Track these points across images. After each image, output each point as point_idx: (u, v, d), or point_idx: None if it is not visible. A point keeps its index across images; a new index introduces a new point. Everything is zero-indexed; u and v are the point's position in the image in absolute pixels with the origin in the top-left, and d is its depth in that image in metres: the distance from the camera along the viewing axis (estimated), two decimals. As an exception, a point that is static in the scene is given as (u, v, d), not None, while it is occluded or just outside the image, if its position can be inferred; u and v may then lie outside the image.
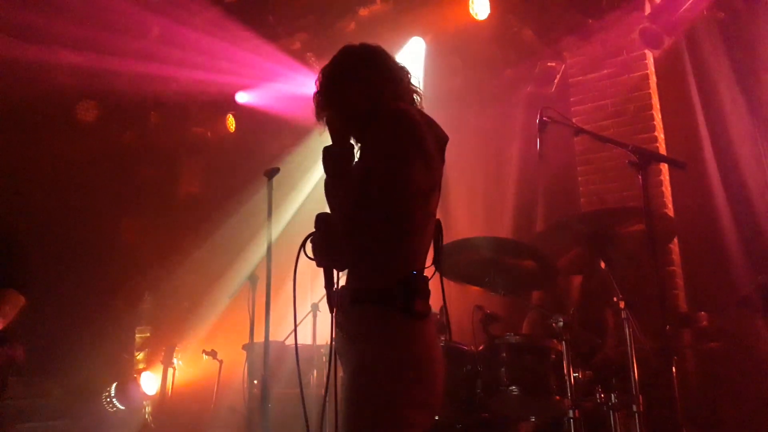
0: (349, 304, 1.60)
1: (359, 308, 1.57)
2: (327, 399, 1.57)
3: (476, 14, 3.95)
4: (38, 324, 3.29)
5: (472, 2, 3.92)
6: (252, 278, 3.29)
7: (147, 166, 5.38)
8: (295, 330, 1.69)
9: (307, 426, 1.55)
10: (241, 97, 4.96)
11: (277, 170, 2.32)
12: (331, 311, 1.64)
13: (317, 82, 1.81)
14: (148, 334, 5.16)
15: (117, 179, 5.11)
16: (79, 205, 4.74)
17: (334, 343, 1.66)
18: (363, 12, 4.20)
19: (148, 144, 5.28)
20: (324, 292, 1.65)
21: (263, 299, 3.30)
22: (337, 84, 1.76)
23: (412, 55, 4.50)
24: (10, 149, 4.38)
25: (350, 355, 1.58)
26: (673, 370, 2.58)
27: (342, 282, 1.67)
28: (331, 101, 1.76)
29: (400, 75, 1.77)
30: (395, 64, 1.80)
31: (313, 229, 1.62)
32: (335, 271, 1.64)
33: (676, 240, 3.86)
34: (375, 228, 1.54)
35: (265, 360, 2.61)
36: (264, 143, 5.29)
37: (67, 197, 4.67)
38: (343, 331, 1.62)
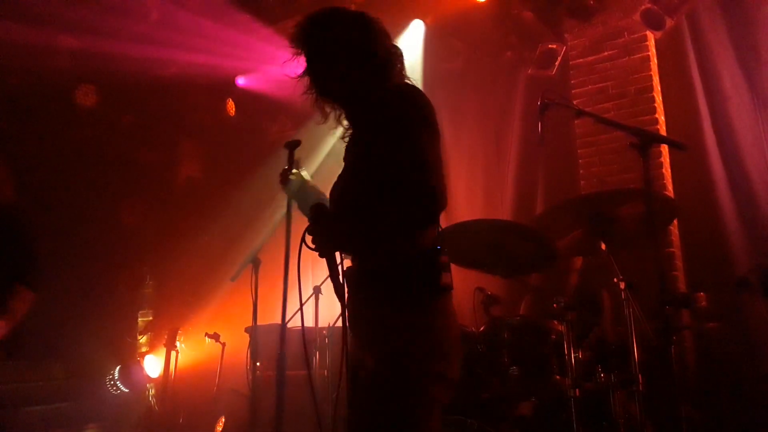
0: (372, 283, 1.56)
1: (386, 286, 1.54)
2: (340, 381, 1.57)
3: (476, -5, 3.92)
4: (41, 307, 3.32)
5: (473, -17, 3.89)
6: (254, 261, 3.31)
7: (147, 149, 5.37)
8: (302, 314, 1.68)
9: (316, 407, 1.56)
10: (242, 81, 4.94)
11: (298, 143, 2.12)
12: (342, 299, 1.59)
13: (305, 43, 1.71)
14: (151, 318, 5.19)
15: (117, 163, 5.10)
16: (79, 188, 4.74)
17: (347, 327, 1.62)
18: (362, -6, 4.16)
19: (148, 128, 5.26)
20: (324, 275, 1.65)
21: (266, 282, 3.32)
22: (337, 55, 1.68)
23: (412, 38, 4.47)
24: (9, 134, 4.38)
25: (378, 333, 1.54)
26: (672, 350, 2.60)
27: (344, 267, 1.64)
28: (330, 72, 1.69)
29: (397, 56, 1.75)
30: (391, 43, 1.76)
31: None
32: (338, 260, 1.60)
33: (675, 221, 3.87)
34: (403, 206, 1.50)
35: (281, 344, 2.62)
36: (264, 127, 5.28)
37: (67, 181, 4.67)
38: (366, 312, 1.57)
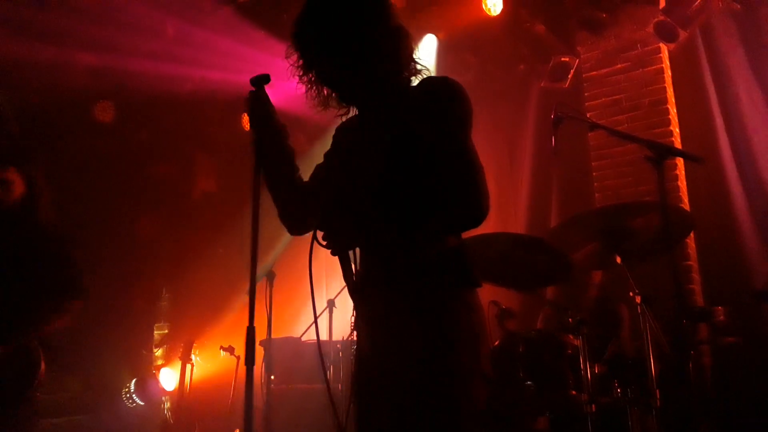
0: (408, 279, 1.47)
1: (420, 281, 1.46)
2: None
3: (489, 10, 3.94)
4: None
5: (485, -2, 3.92)
6: (269, 275, 3.33)
7: (163, 164, 5.44)
8: (316, 324, 1.60)
9: (338, 418, 1.45)
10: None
11: (266, 78, 1.67)
12: (355, 295, 1.53)
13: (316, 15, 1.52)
14: (167, 331, 5.22)
15: (133, 177, 5.17)
16: (96, 203, 4.80)
17: (363, 327, 1.56)
18: (376, 9, 4.20)
19: (164, 142, 5.34)
20: (339, 287, 1.63)
21: (280, 295, 3.34)
22: (362, 29, 1.50)
23: (425, 52, 4.50)
24: (29, 150, 4.46)
25: (411, 331, 1.44)
26: (690, 365, 2.57)
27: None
28: (349, 50, 1.49)
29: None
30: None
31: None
32: (351, 257, 1.53)
33: (692, 234, 3.84)
34: (453, 209, 1.43)
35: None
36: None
37: (84, 195, 4.74)
38: (400, 310, 1.46)
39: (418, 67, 1.59)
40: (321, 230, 1.48)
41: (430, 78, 1.56)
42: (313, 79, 1.58)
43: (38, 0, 4.14)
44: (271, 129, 1.66)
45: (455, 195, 1.42)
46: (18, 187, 2.86)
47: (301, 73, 1.58)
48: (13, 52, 4.21)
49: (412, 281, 1.47)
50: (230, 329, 4.67)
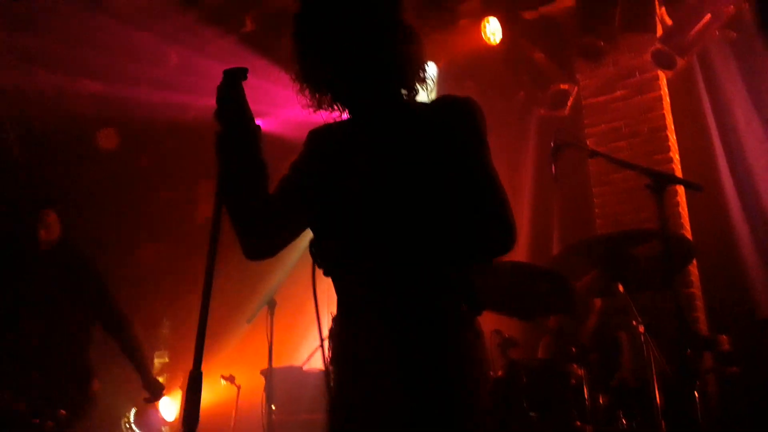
0: (415, 307, 1.33)
1: (433, 307, 1.34)
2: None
3: (489, 39, 4.00)
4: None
5: (485, 27, 3.97)
6: (270, 303, 3.33)
7: (165, 190, 5.46)
8: (322, 346, 1.48)
9: None
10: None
11: (243, 72, 1.46)
12: (347, 321, 1.41)
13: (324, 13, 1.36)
14: (167, 359, 5.18)
15: (136, 203, 5.19)
16: (98, 228, 4.81)
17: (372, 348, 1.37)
18: (378, 39, 4.27)
19: (166, 169, 5.37)
20: None
21: (281, 324, 3.32)
22: (371, 20, 1.35)
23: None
24: (33, 176, 4.49)
25: (425, 363, 1.32)
26: (696, 394, 2.54)
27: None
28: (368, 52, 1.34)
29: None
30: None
31: None
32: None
33: (695, 261, 3.83)
34: (484, 238, 1.33)
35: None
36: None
37: (86, 221, 4.75)
38: (406, 338, 1.32)
39: (425, 75, 1.45)
40: (319, 249, 1.34)
41: (450, 97, 1.43)
42: (308, 74, 1.41)
43: (45, 30, 4.21)
44: (242, 125, 1.44)
45: (488, 223, 1.31)
46: (56, 228, 3.06)
47: (296, 68, 1.42)
48: (19, 81, 4.27)
49: (423, 308, 1.34)
50: (231, 358, 4.64)
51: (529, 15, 4.27)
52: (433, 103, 1.43)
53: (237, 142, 1.44)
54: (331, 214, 1.40)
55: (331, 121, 1.49)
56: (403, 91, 1.43)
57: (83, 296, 3.13)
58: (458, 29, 3.95)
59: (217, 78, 1.46)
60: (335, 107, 1.44)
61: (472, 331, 1.37)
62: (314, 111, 1.45)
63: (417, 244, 1.32)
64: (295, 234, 1.53)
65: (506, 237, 1.31)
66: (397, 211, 1.33)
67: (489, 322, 3.21)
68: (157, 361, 5.18)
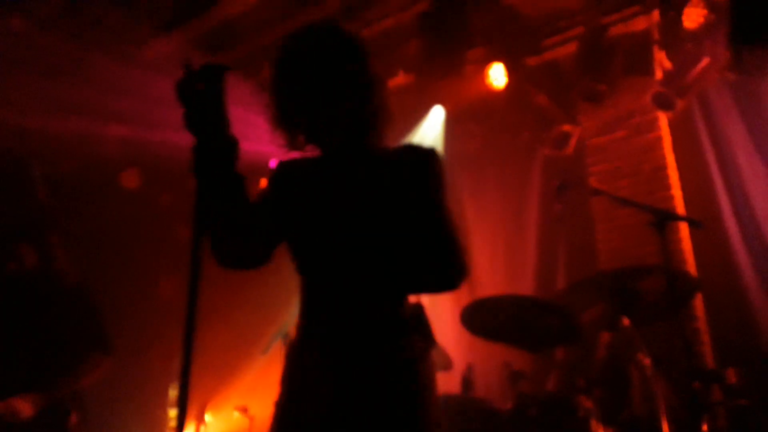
0: (387, 333, 1.45)
1: (399, 338, 1.46)
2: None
3: (494, 83, 4.19)
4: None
5: (490, 73, 4.17)
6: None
7: (185, 227, 5.63)
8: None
9: None
10: (274, 163, 5.23)
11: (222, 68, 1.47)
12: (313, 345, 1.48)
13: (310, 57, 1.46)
14: (181, 392, 5.23)
15: (155, 239, 5.35)
16: (119, 264, 4.96)
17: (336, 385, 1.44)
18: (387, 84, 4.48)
19: (186, 206, 5.54)
20: None
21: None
22: (340, 74, 1.47)
23: (433, 121, 4.75)
24: (58, 215, 4.67)
25: (384, 389, 1.41)
26: (704, 427, 2.59)
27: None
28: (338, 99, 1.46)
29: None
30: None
31: None
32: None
33: (699, 295, 3.89)
34: (439, 274, 1.45)
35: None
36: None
37: (108, 257, 4.91)
38: (365, 366, 1.42)
39: (388, 121, 1.56)
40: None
41: (413, 145, 1.57)
42: (283, 118, 1.52)
43: (75, 78, 4.46)
44: (222, 136, 1.41)
45: (439, 259, 1.42)
46: (29, 258, 3.06)
47: (271, 111, 1.53)
48: (49, 125, 4.51)
49: (385, 341, 1.44)
50: (245, 390, 4.70)
51: (532, 61, 4.46)
52: (398, 149, 1.56)
53: (217, 156, 1.41)
54: (309, 244, 1.52)
55: (301, 155, 1.60)
56: (370, 136, 1.54)
57: (61, 323, 2.97)
58: (464, 75, 4.12)
59: (235, 120, 1.48)
60: (308, 147, 1.56)
61: (429, 366, 1.48)
62: (288, 150, 1.57)
63: (373, 276, 1.45)
64: (269, 252, 1.59)
65: (454, 272, 1.43)
66: (361, 246, 1.45)
67: (498, 354, 3.30)
68: (172, 393, 5.24)
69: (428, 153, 1.54)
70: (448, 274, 1.43)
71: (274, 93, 1.53)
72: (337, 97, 1.47)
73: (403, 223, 1.44)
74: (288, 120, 1.52)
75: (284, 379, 1.54)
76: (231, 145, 1.43)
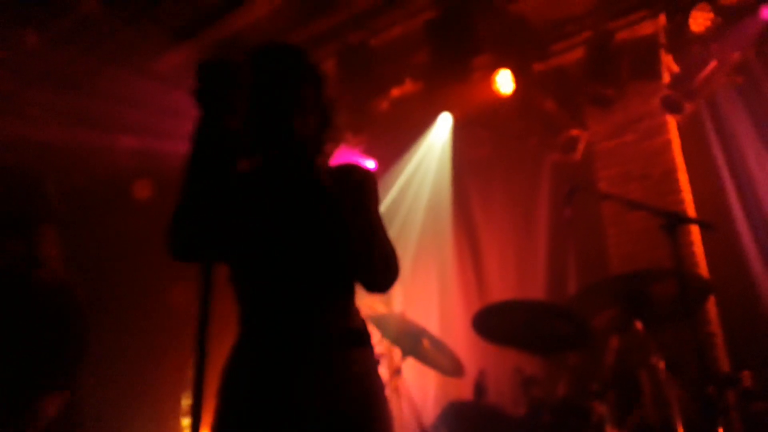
0: (349, 343, 1.53)
1: (360, 348, 1.55)
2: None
3: (501, 90, 4.21)
4: (92, 384, 3.49)
5: (497, 80, 4.19)
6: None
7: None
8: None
9: None
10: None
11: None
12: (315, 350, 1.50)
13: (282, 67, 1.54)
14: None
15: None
16: (132, 274, 5.01)
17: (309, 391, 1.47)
18: (395, 92, 4.51)
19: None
20: None
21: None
22: (314, 96, 1.58)
23: (441, 129, 4.78)
24: (71, 226, 4.73)
25: (349, 397, 1.47)
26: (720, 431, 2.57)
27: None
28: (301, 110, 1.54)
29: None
30: None
31: None
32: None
33: (712, 298, 3.87)
34: (377, 274, 1.54)
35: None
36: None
37: (121, 268, 4.96)
38: (336, 374, 1.48)
39: (334, 144, 1.65)
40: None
41: (351, 164, 1.68)
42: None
43: (89, 91, 4.54)
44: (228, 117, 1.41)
45: (381, 264, 1.51)
46: (14, 249, 2.77)
47: None
48: (63, 138, 4.58)
49: (352, 347, 1.52)
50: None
51: (539, 66, 4.48)
52: (339, 166, 1.66)
53: (217, 134, 1.43)
54: (248, 248, 1.55)
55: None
56: (319, 154, 1.60)
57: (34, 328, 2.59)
58: (472, 81, 4.15)
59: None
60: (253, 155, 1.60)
61: (378, 376, 1.56)
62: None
63: (314, 282, 1.52)
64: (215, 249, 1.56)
65: (387, 274, 1.52)
66: (301, 252, 1.52)
67: (509, 359, 3.29)
68: (185, 403, 5.26)
69: (362, 170, 1.66)
70: (380, 276, 1.52)
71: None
72: (305, 109, 1.54)
73: (338, 227, 1.49)
74: (249, 125, 1.52)
75: (224, 388, 1.55)
76: (231, 133, 1.44)
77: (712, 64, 4.04)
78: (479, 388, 3.29)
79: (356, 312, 1.60)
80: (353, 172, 1.64)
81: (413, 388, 3.51)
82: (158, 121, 4.83)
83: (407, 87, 4.43)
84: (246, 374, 1.51)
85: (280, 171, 1.60)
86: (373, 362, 1.56)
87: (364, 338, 1.57)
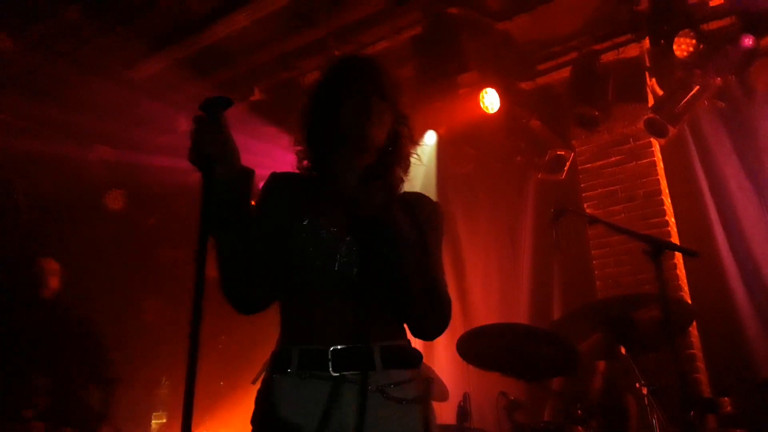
0: (402, 363, 1.45)
1: (410, 368, 1.46)
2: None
3: (487, 108, 4.18)
4: (58, 402, 3.37)
5: (483, 98, 4.16)
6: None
7: (170, 248, 5.53)
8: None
9: None
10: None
11: (226, 101, 1.36)
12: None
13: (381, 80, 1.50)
14: (164, 420, 5.09)
15: (139, 262, 5.24)
16: (103, 286, 4.85)
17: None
18: (380, 107, 4.44)
19: (172, 228, 5.45)
20: None
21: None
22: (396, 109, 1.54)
23: (426, 146, 4.73)
24: (43, 237, 4.57)
25: (404, 420, 1.39)
26: (702, 458, 2.54)
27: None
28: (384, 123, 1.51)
29: None
30: None
31: None
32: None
33: (695, 323, 3.87)
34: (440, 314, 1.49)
35: None
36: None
37: (92, 279, 4.79)
38: (394, 394, 1.38)
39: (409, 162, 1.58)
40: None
41: (423, 194, 1.61)
42: (310, 135, 1.53)
43: (60, 99, 4.39)
44: (230, 165, 1.33)
45: (426, 309, 1.44)
46: (55, 278, 3.06)
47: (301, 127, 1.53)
48: (34, 147, 4.43)
49: (404, 368, 1.44)
50: (230, 419, 4.57)
51: (525, 85, 4.47)
52: (405, 194, 1.56)
53: (227, 190, 1.35)
54: (301, 258, 1.44)
55: (294, 170, 1.58)
56: (388, 172, 1.51)
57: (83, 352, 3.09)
58: (458, 98, 4.11)
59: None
60: (310, 164, 1.55)
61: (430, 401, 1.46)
62: (297, 164, 1.57)
63: (367, 305, 1.39)
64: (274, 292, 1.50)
65: (438, 324, 1.46)
66: (357, 283, 1.40)
67: (494, 383, 3.22)
68: (155, 423, 5.09)
69: (434, 204, 1.59)
70: (432, 326, 1.47)
71: (310, 107, 1.54)
72: (380, 121, 1.48)
73: (400, 270, 1.39)
74: (314, 135, 1.52)
75: (261, 410, 1.44)
76: (238, 177, 1.36)
77: (695, 89, 4.07)
78: (462, 412, 3.21)
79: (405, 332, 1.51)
80: (423, 203, 1.57)
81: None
82: (133, 131, 4.70)
83: (392, 102, 4.36)
84: (294, 397, 1.40)
85: (341, 181, 1.50)
86: (426, 385, 1.47)
87: (416, 359, 1.49)
